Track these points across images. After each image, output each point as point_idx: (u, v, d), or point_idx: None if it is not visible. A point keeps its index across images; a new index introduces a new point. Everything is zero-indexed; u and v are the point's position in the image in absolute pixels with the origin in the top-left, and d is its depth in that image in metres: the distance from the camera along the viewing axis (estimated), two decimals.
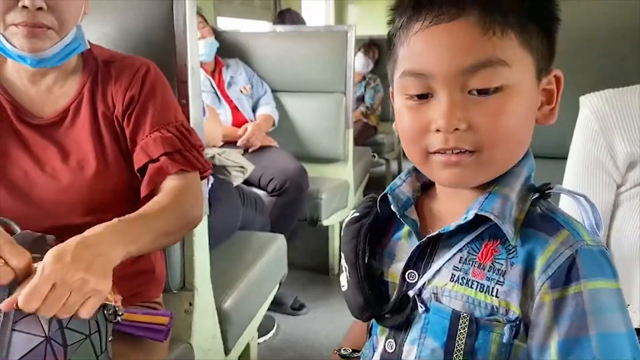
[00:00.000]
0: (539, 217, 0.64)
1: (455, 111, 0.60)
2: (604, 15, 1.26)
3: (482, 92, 0.59)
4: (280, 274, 1.95)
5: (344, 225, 0.78)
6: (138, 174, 1.07)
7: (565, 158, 1.07)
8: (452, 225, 0.65)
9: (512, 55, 0.59)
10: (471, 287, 0.63)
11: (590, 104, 1.01)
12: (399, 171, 5.12)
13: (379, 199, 0.74)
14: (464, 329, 0.62)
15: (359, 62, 4.37)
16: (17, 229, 0.87)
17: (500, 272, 0.62)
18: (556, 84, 0.66)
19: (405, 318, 0.68)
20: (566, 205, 0.70)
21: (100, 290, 0.79)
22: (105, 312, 0.83)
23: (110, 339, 0.85)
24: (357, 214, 0.76)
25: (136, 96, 1.07)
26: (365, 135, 4.25)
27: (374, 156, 3.96)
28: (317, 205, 2.65)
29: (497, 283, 0.62)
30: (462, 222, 0.64)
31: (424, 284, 0.67)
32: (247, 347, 1.73)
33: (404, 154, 5.07)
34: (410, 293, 0.68)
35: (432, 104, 0.62)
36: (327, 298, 2.60)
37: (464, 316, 0.63)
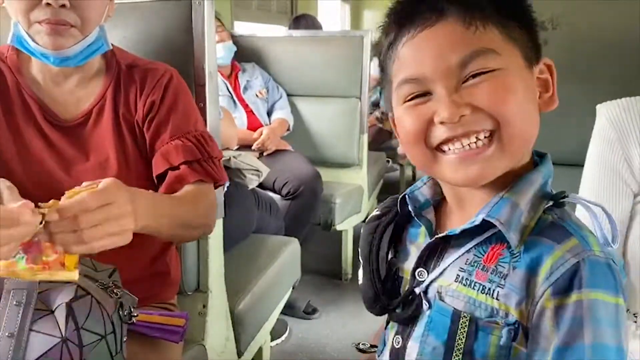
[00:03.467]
0: (549, 225, 0.64)
1: (456, 99, 0.61)
2: (621, 24, 1.25)
3: (478, 74, 0.61)
4: (294, 278, 1.95)
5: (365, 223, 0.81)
6: (156, 180, 1.08)
7: (583, 165, 1.07)
8: (458, 229, 0.66)
9: (498, 45, 0.61)
10: (473, 288, 0.65)
11: (607, 112, 1.01)
12: (414, 177, 5.10)
13: (399, 199, 0.76)
14: (464, 328, 0.64)
15: (374, 67, 4.36)
16: None
17: (502, 275, 0.63)
18: (549, 72, 0.67)
19: (410, 314, 0.70)
20: (582, 213, 0.69)
21: (125, 236, 0.80)
22: (121, 312, 0.84)
23: (124, 339, 0.86)
24: (378, 213, 0.80)
25: (157, 102, 1.08)
26: (379, 140, 4.24)
27: (388, 161, 3.95)
28: (331, 209, 2.65)
29: (498, 286, 0.63)
30: (467, 226, 0.65)
31: (430, 282, 0.69)
32: (260, 350, 1.73)
33: None
34: (417, 290, 0.70)
35: (432, 101, 0.63)
36: (339, 302, 2.60)
37: (464, 316, 0.64)
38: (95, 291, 0.80)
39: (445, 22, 0.62)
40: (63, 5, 0.95)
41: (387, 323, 0.79)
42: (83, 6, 0.98)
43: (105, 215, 0.77)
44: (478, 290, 0.64)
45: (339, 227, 2.72)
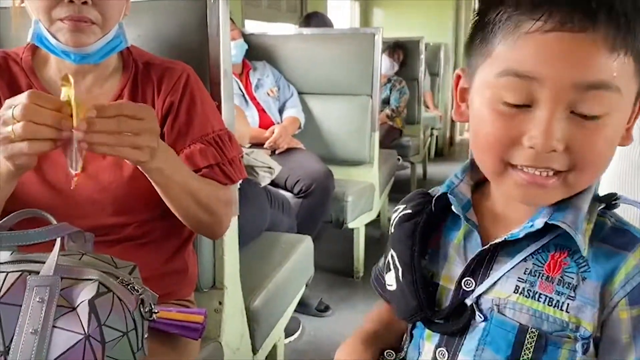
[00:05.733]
0: (612, 230, 0.62)
1: (557, 131, 0.55)
2: None
3: (587, 115, 0.55)
4: (307, 275, 1.95)
5: (393, 220, 0.75)
6: None
7: None
8: (521, 233, 0.62)
9: (626, 81, 0.56)
10: (538, 300, 0.61)
11: None
12: (424, 175, 5.10)
13: (435, 197, 0.71)
14: (531, 343, 0.60)
15: (383, 64, 4.35)
16: (54, 222, 0.88)
17: (571, 286, 0.60)
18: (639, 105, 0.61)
19: (461, 327, 0.65)
20: (621, 214, 0.67)
21: (145, 153, 0.87)
22: (142, 309, 0.85)
23: (146, 336, 0.86)
24: (410, 211, 0.73)
25: (176, 103, 1.09)
26: (390, 138, 4.24)
27: (399, 159, 3.95)
28: (343, 207, 2.65)
29: (567, 297, 0.60)
30: (530, 229, 0.61)
31: (482, 293, 0.65)
32: (274, 347, 1.73)
33: (429, 158, 5.01)
34: (468, 301, 0.65)
35: (528, 116, 0.57)
36: (351, 300, 2.60)
37: (532, 331, 0.60)
38: (116, 288, 0.80)
39: (590, 34, 0.53)
40: (85, 2, 0.96)
41: (412, 329, 0.75)
42: (104, 3, 0.99)
43: (137, 127, 0.84)
44: (545, 303, 0.61)
45: (350, 225, 2.72)
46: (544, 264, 0.62)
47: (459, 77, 0.68)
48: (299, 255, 1.85)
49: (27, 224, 0.86)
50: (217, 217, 1.11)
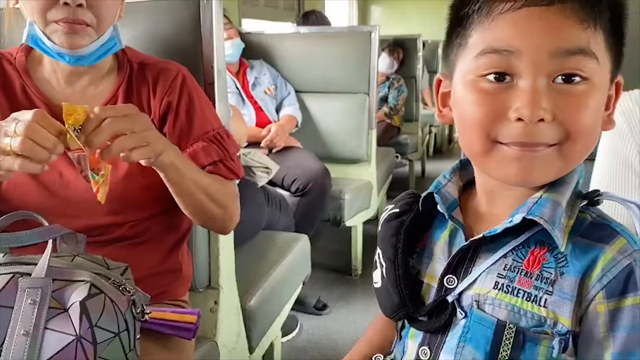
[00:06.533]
0: (591, 225, 0.61)
1: (542, 99, 0.56)
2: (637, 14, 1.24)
3: (568, 80, 0.57)
4: (304, 274, 1.95)
5: (381, 219, 0.75)
6: None
7: (594, 159, 1.06)
8: (499, 229, 0.62)
9: (600, 52, 0.57)
10: (517, 295, 0.61)
11: (618, 104, 1.00)
12: (423, 172, 5.10)
13: (422, 197, 0.72)
14: (509, 340, 0.60)
15: (383, 63, 4.36)
16: (46, 224, 0.89)
17: (549, 281, 0.59)
18: (616, 90, 0.64)
19: (443, 323, 0.65)
20: (606, 210, 0.67)
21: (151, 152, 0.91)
22: (134, 310, 0.85)
23: (138, 337, 0.86)
24: (397, 210, 0.73)
25: (174, 103, 1.09)
26: (388, 136, 4.24)
27: (397, 157, 3.95)
28: (340, 205, 2.65)
29: (545, 292, 0.59)
30: (508, 225, 0.61)
31: (463, 290, 0.65)
32: (271, 346, 1.74)
33: (427, 155, 5.02)
34: (449, 298, 0.65)
35: (511, 89, 0.58)
36: (349, 298, 2.60)
37: (509, 327, 0.60)
38: (108, 289, 0.80)
39: (559, 7, 0.56)
40: (80, 5, 0.96)
41: (401, 329, 0.75)
42: (99, 6, 0.99)
43: (128, 125, 0.88)
44: (523, 298, 0.60)
45: (348, 223, 2.73)
46: (523, 260, 0.62)
47: (439, 82, 0.69)
48: (296, 253, 1.86)
49: (19, 225, 0.86)
50: (228, 211, 1.13)
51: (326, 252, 3.00)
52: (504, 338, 0.60)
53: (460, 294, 0.65)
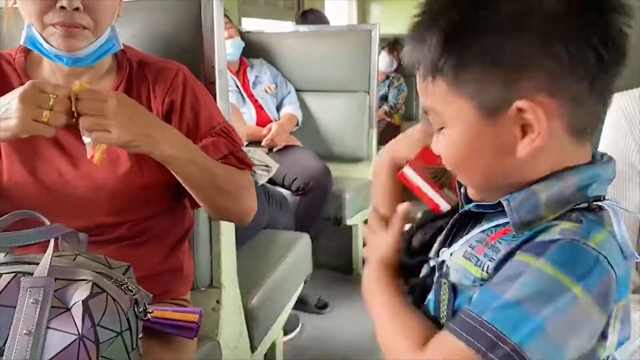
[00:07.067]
0: (566, 217, 0.62)
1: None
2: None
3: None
4: (305, 273, 1.95)
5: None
6: None
7: None
8: (472, 205, 0.69)
9: (444, 101, 0.63)
10: (470, 260, 0.65)
11: (618, 103, 1.00)
12: None
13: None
14: (445, 294, 0.66)
15: (383, 61, 4.36)
16: (47, 223, 0.89)
17: (497, 250, 0.63)
18: (534, 113, 0.58)
19: (421, 282, 0.73)
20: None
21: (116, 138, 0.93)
22: (136, 309, 0.85)
23: (140, 336, 0.86)
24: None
25: (178, 101, 1.10)
26: (388, 135, 4.21)
27: None
28: (341, 204, 2.65)
29: (489, 260, 0.63)
30: (482, 204, 0.67)
31: (445, 259, 0.70)
32: (273, 345, 1.74)
33: None
34: (432, 263, 0.72)
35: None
36: (350, 297, 2.60)
37: (444, 282, 0.66)
38: (110, 288, 0.81)
39: (420, 70, 0.64)
40: (77, 9, 0.96)
41: None
42: (96, 9, 0.99)
43: (97, 107, 0.92)
44: (473, 263, 0.65)
45: (349, 222, 2.73)
46: (492, 234, 0.66)
47: None
48: (297, 252, 1.86)
49: (21, 225, 0.86)
50: (242, 203, 1.14)
51: (327, 251, 2.99)
52: (441, 292, 0.66)
53: (442, 263, 0.70)
